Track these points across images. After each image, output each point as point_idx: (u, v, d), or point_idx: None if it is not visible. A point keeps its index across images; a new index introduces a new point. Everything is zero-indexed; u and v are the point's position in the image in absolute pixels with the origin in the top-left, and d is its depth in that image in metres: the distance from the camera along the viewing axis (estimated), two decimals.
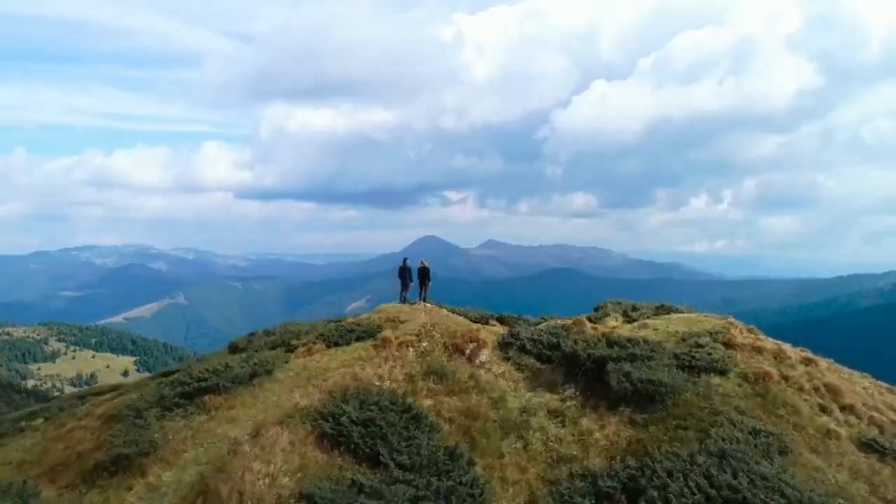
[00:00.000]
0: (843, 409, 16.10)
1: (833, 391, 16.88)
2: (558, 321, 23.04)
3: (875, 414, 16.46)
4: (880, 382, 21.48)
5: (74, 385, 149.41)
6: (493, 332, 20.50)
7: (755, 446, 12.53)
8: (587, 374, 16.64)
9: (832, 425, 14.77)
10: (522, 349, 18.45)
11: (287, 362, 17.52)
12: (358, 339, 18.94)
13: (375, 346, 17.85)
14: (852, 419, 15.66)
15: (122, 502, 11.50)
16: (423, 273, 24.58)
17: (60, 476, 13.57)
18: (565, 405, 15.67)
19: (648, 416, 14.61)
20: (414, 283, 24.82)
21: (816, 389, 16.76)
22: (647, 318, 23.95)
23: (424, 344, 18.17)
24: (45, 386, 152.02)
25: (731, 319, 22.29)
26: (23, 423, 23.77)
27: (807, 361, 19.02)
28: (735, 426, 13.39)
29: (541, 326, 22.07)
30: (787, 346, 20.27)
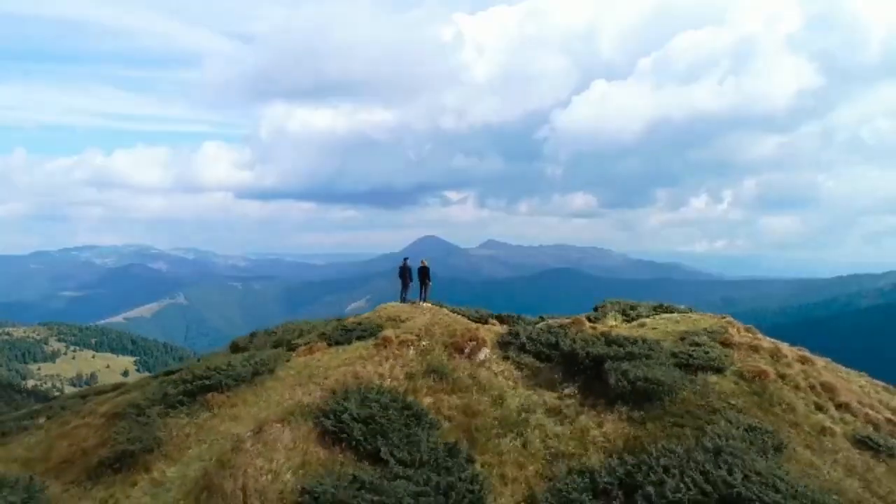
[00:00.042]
0: (838, 406, 16.28)
1: (829, 389, 17.06)
2: (557, 320, 23.23)
3: (870, 412, 16.64)
4: (876, 381, 21.69)
5: (74, 385, 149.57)
6: (492, 331, 20.67)
7: (750, 443, 12.71)
8: (585, 372, 16.82)
9: (827, 423, 14.95)
10: (522, 348, 18.61)
11: (289, 361, 17.70)
12: (359, 338, 19.12)
13: (376, 345, 18.02)
14: (848, 417, 15.84)
15: (128, 498, 11.68)
16: (424, 273, 24.78)
17: (65, 473, 13.75)
18: (564, 403, 15.84)
19: (646, 413, 14.79)
20: (414, 283, 25.01)
21: (812, 388, 16.94)
22: (646, 317, 24.16)
23: (424, 343, 18.34)
24: (45, 386, 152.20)
25: (729, 319, 22.49)
26: (26, 422, 23.96)
27: (803, 360, 19.21)
28: (731, 423, 13.57)
29: (540, 325, 22.25)
30: (783, 345, 20.47)
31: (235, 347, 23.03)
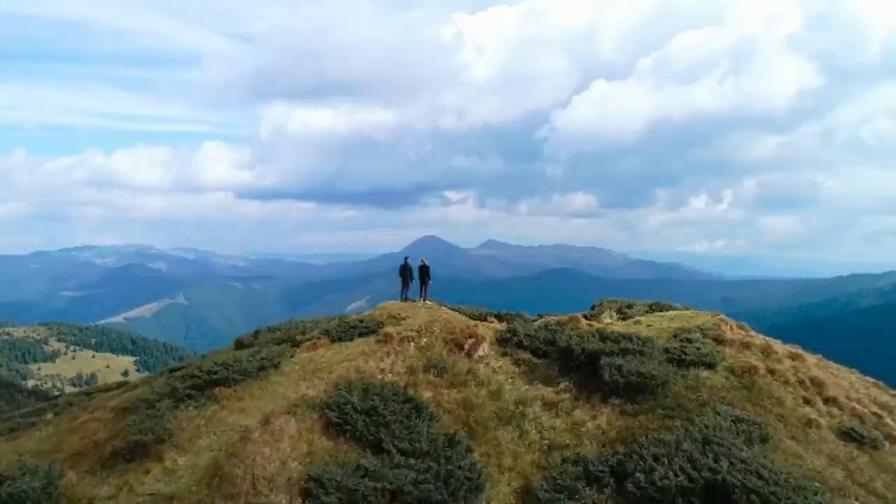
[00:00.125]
0: (826, 400, 16.82)
1: (817, 384, 17.61)
2: (554, 318, 23.77)
3: (857, 406, 17.18)
4: (867, 378, 22.23)
5: (74, 385, 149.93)
6: (491, 328, 21.21)
7: (737, 433, 13.27)
8: (581, 367, 17.35)
9: (813, 415, 15.49)
10: (519, 344, 19.13)
11: (293, 356, 18.22)
12: (361, 334, 19.63)
13: (378, 342, 18.54)
14: (834, 410, 16.38)
15: (142, 485, 12.23)
16: (424, 272, 25.31)
17: (79, 463, 14.26)
18: (560, 397, 16.38)
19: (639, 406, 15.34)
20: (415, 282, 25.54)
21: (801, 382, 17.48)
22: (641, 315, 24.70)
23: (425, 339, 18.85)
24: (45, 386, 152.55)
25: (722, 317, 23.01)
26: (34, 418, 24.49)
27: (794, 356, 19.75)
28: (719, 415, 14.13)
29: (537, 323, 22.80)
30: (775, 342, 21.01)
31: (240, 344, 23.54)
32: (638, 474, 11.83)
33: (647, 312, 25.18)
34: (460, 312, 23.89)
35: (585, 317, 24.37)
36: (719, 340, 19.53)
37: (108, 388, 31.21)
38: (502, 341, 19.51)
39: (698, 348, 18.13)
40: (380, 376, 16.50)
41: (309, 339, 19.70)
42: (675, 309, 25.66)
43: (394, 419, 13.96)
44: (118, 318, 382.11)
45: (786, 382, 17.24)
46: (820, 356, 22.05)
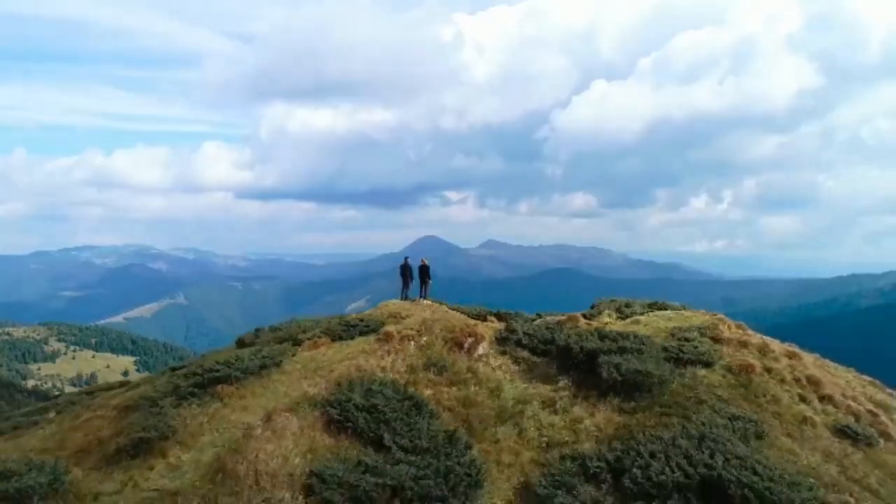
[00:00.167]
0: (821, 398, 17.01)
1: (813, 382, 17.79)
2: (553, 317, 23.97)
3: (852, 403, 17.37)
4: (864, 376, 22.44)
5: (74, 385, 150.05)
6: (490, 327, 21.40)
7: (733, 430, 13.46)
8: (579, 366, 17.53)
9: (809, 413, 15.67)
10: (518, 343, 19.32)
11: (294, 355, 18.41)
12: (361, 333, 19.83)
13: (378, 340, 18.73)
14: (830, 408, 16.56)
15: (147, 480, 12.42)
16: (424, 271, 25.52)
17: (83, 460, 14.43)
18: (558, 395, 16.56)
19: (636, 404, 15.52)
20: (415, 281, 25.75)
21: (797, 380, 17.66)
22: (640, 314, 24.88)
23: (425, 338, 19.03)
24: (45, 386, 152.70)
25: (720, 316, 23.20)
26: (36, 417, 24.66)
27: (791, 355, 19.93)
28: (716, 412, 14.32)
29: (537, 322, 22.99)
30: (772, 341, 21.19)
31: (241, 343, 23.73)
32: (635, 470, 12.01)
33: (645, 312, 25.34)
34: (460, 312, 24.09)
35: (584, 316, 24.56)
36: (717, 339, 19.72)
37: (109, 387, 31.39)
38: (502, 340, 19.70)
39: (696, 347, 18.31)
40: (380, 374, 16.68)
41: (310, 338, 19.89)
42: (674, 308, 25.84)
43: (394, 416, 14.15)
44: (118, 318, 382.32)
45: (782, 381, 17.42)
46: (817, 355, 22.25)
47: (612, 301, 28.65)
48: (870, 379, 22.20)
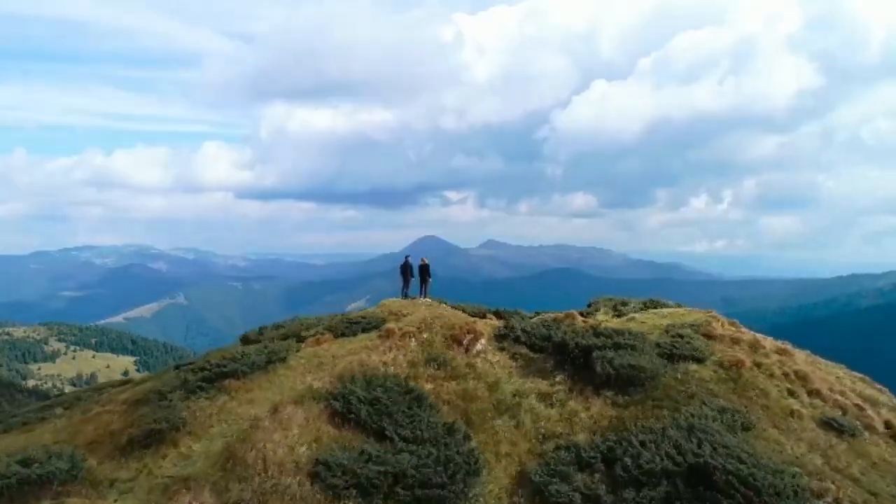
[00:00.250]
0: (809, 393, 17.58)
1: (802, 378, 18.37)
2: (551, 315, 24.51)
3: (839, 398, 17.95)
4: (854, 372, 23.01)
5: (75, 385, 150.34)
6: (489, 324, 21.95)
7: (721, 422, 14.03)
8: (575, 361, 18.10)
9: (796, 406, 16.25)
10: (516, 340, 19.87)
11: (298, 351, 18.95)
12: (363, 330, 20.37)
13: (380, 337, 19.28)
14: (817, 402, 17.14)
15: (160, 468, 12.99)
16: (424, 270, 26.06)
17: (95, 451, 14.96)
18: (554, 389, 17.14)
19: (629, 397, 16.10)
20: (415, 280, 26.29)
21: (786, 375, 18.24)
22: (636, 312, 25.45)
23: (425, 335, 19.57)
24: (45, 386, 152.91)
25: (713, 313, 23.76)
26: (45, 413, 25.17)
27: (781, 352, 20.51)
28: (705, 405, 14.88)
29: (534, 320, 23.54)
30: (764, 338, 21.76)
31: (246, 340, 24.24)
32: (626, 459, 12.59)
33: (641, 310, 25.91)
34: (459, 309, 24.61)
35: (581, 314, 25.13)
36: (709, 336, 20.29)
37: (115, 385, 31.90)
38: (500, 337, 20.25)
39: (688, 343, 18.88)
40: (382, 369, 17.22)
41: (313, 335, 20.42)
42: (669, 307, 26.40)
43: (396, 409, 14.71)
44: (118, 318, 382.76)
45: (771, 375, 17.99)
46: (808, 352, 22.81)
47: (608, 299, 29.21)
48: (860, 375, 22.78)
